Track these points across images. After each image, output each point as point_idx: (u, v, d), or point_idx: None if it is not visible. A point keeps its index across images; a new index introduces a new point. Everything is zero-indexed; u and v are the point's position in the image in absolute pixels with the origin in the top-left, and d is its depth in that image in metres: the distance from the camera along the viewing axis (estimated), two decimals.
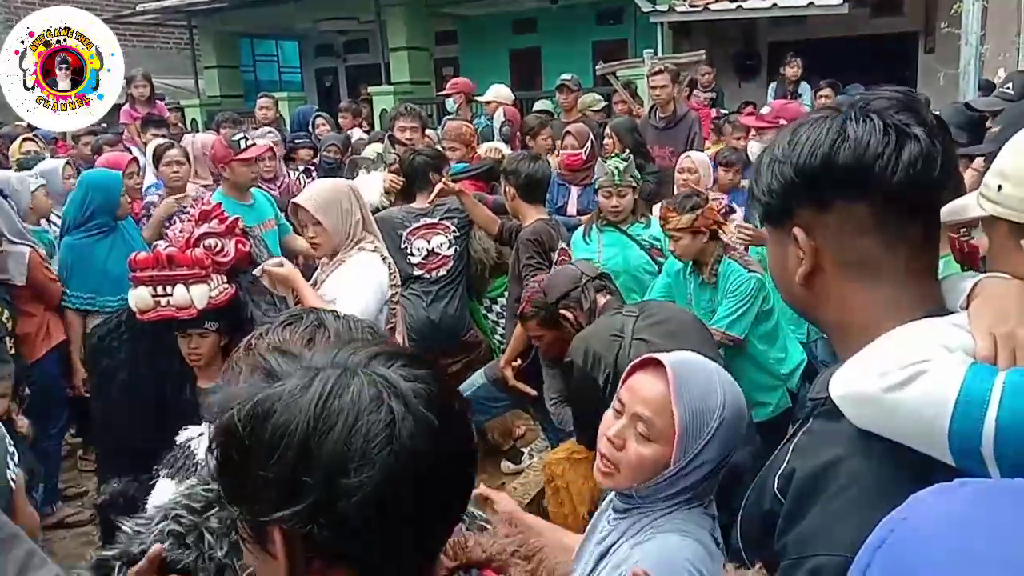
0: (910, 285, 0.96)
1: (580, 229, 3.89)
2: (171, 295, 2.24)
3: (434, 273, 3.91)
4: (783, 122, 4.40)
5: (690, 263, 3.39)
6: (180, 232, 2.29)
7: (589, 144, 4.60)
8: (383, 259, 2.93)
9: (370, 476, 0.70)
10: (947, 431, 0.81)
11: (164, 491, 1.83)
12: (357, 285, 2.76)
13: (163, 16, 13.80)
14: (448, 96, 6.90)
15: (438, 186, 3.86)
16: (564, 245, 3.63)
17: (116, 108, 8.10)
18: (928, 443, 0.84)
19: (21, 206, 4.03)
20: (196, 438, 1.56)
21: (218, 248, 2.26)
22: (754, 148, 4.55)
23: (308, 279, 2.88)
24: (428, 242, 3.91)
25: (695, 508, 1.40)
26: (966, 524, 0.59)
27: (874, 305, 0.96)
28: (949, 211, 1.09)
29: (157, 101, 7.75)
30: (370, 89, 11.94)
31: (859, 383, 0.90)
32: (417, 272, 3.88)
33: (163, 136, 5.91)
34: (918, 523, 0.62)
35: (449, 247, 3.93)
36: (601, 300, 2.74)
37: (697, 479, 1.34)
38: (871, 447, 0.89)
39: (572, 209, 4.54)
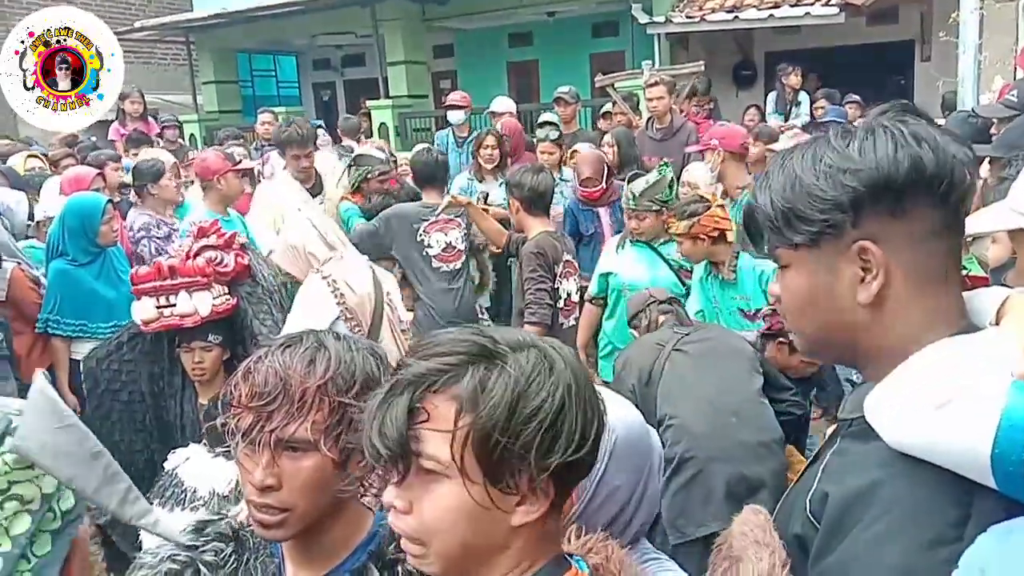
0: (957, 296, 0.94)
1: (615, 239, 3.91)
2: (175, 304, 2.25)
3: (451, 265, 4.08)
4: (714, 142, 4.43)
5: (706, 266, 3.43)
6: (179, 247, 2.30)
7: (605, 170, 4.55)
8: (324, 277, 2.90)
9: (603, 413, 0.88)
10: (989, 456, 0.78)
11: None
12: (296, 311, 2.82)
13: (161, 32, 13.85)
14: (449, 109, 6.94)
15: (446, 199, 3.96)
16: (569, 257, 3.62)
17: (106, 124, 8.16)
18: (969, 467, 0.81)
19: (16, 224, 3.97)
20: (183, 464, 1.53)
21: (218, 260, 2.27)
22: (698, 170, 4.44)
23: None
24: (446, 235, 4.08)
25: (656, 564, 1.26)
26: None
27: (929, 314, 0.92)
28: (974, 224, 1.06)
29: (149, 118, 7.77)
30: (368, 103, 11.98)
31: (895, 405, 0.87)
32: (435, 264, 4.05)
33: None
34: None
35: (462, 241, 4.12)
36: (661, 320, 2.94)
37: (614, 510, 1.22)
38: (909, 470, 0.86)
39: (608, 232, 4.45)
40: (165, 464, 1.79)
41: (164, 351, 2.34)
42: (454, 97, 6.92)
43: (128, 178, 4.96)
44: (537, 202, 3.58)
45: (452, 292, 4.06)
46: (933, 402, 0.82)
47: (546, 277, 3.45)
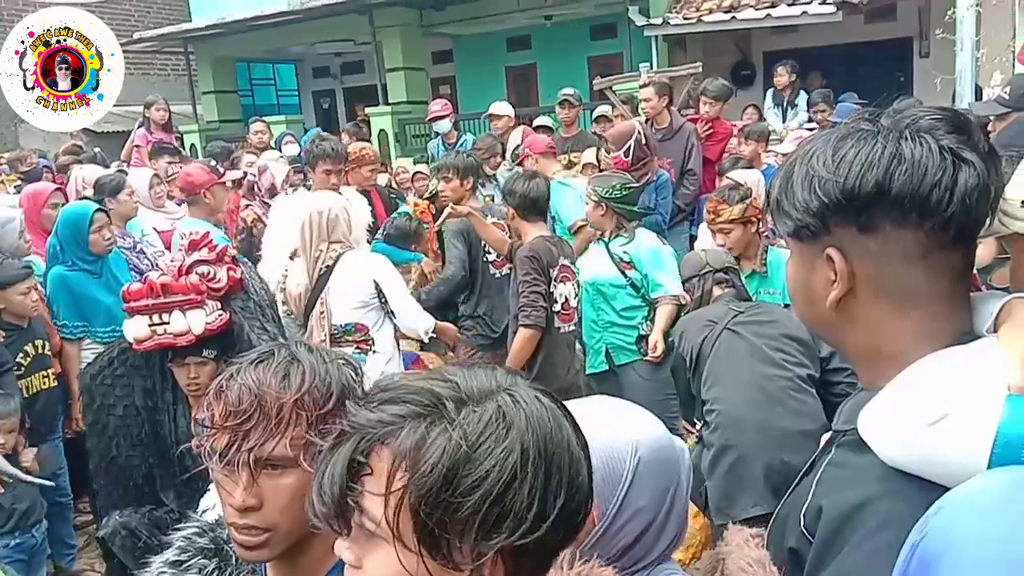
0: (945, 313, 0.90)
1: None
2: (168, 323, 2.24)
3: (502, 271, 4.14)
4: (526, 151, 5.12)
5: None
6: (171, 262, 2.29)
7: (632, 142, 4.70)
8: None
9: (585, 479, 0.77)
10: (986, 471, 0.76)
11: None
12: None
13: (160, 43, 13.88)
14: (434, 120, 7.06)
15: (447, 210, 3.98)
16: (566, 262, 3.61)
17: (114, 136, 8.15)
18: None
19: (4, 246, 3.94)
20: (211, 509, 1.48)
21: (211, 275, 2.26)
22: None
23: None
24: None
25: None
26: (994, 512, 0.61)
27: (906, 333, 0.90)
28: None
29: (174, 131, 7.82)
30: (368, 110, 11.99)
31: (889, 421, 0.85)
32: (492, 271, 4.17)
33: (177, 165, 5.99)
34: (952, 511, 0.65)
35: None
36: (717, 291, 2.93)
37: (637, 530, 1.16)
38: (903, 487, 0.84)
39: None
40: (202, 500, 1.75)
41: (156, 365, 2.33)
42: (434, 108, 7.09)
43: (89, 191, 4.88)
44: (531, 208, 3.59)
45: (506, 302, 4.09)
46: (927, 418, 0.80)
47: (540, 280, 3.43)
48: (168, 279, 2.22)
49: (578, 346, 4.26)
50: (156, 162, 6.31)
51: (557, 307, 3.52)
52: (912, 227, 0.87)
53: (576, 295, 3.67)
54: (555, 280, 3.51)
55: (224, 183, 4.26)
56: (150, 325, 2.22)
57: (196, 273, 2.24)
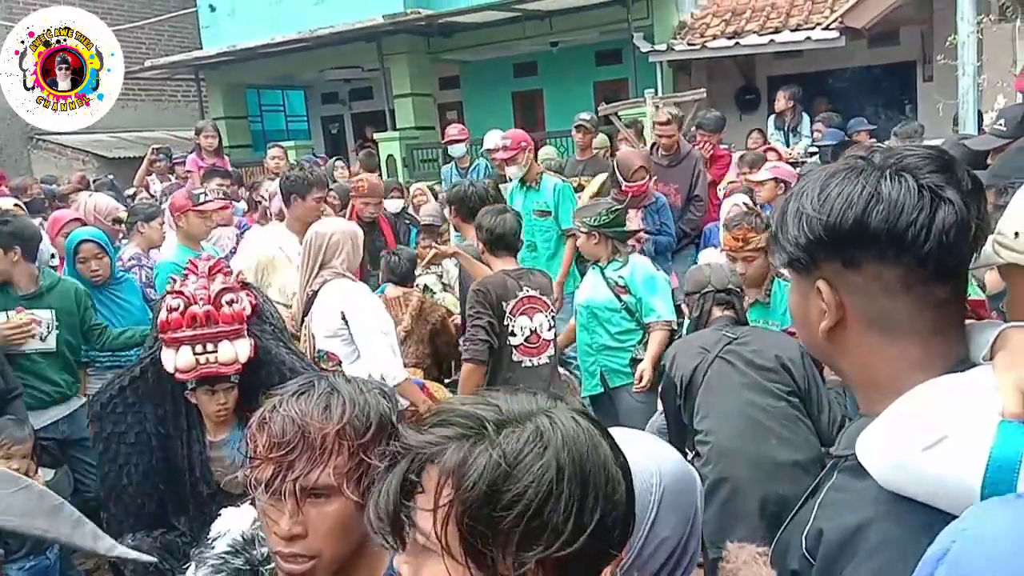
0: (935, 342, 0.93)
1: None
2: (215, 352, 2.28)
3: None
4: (524, 144, 5.16)
5: None
6: (197, 289, 2.31)
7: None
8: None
9: (622, 495, 0.81)
10: (978, 496, 0.78)
11: None
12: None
13: (172, 70, 14.06)
14: (450, 143, 7.13)
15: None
16: (533, 293, 3.51)
17: (130, 162, 8.22)
18: (960, 507, 0.79)
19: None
20: (224, 535, 1.49)
21: (239, 303, 2.30)
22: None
23: None
24: None
25: None
26: (1005, 550, 0.61)
27: (898, 361, 0.93)
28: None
29: (225, 155, 7.90)
30: (375, 136, 12.10)
31: (886, 446, 0.88)
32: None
33: (227, 187, 6.04)
34: (980, 533, 0.64)
35: None
36: (716, 313, 2.87)
37: (663, 557, 1.18)
38: (901, 510, 0.86)
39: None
40: (213, 525, 1.76)
41: (167, 393, 2.35)
42: (452, 132, 7.18)
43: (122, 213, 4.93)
44: (497, 243, 3.56)
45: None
46: (922, 443, 0.83)
47: (484, 314, 3.39)
48: (211, 309, 2.25)
49: (571, 374, 4.29)
50: (208, 184, 6.35)
51: (517, 340, 3.45)
52: (891, 263, 0.90)
53: (551, 327, 3.58)
54: (511, 313, 3.44)
55: (201, 210, 4.30)
56: (195, 354, 2.26)
57: (225, 301, 2.27)
